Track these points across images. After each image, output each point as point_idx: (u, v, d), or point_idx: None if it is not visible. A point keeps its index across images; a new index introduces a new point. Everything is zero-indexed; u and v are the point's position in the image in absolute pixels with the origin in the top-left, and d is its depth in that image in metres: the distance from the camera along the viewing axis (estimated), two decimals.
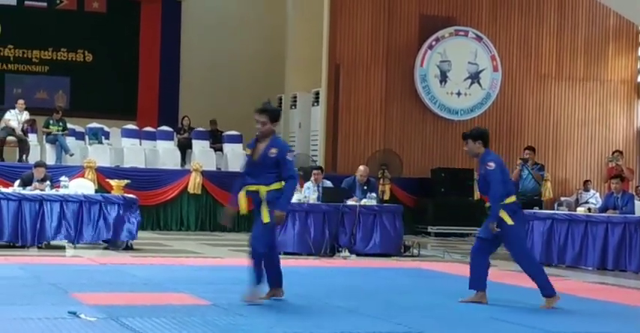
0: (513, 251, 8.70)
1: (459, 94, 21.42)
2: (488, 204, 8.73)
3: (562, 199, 20.73)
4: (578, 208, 14.46)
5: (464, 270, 12.27)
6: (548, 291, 8.56)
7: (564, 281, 11.54)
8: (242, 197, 7.89)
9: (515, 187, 15.73)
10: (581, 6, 22.25)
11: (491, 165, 8.39)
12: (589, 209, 14.01)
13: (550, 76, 22.11)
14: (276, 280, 8.07)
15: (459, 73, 21.47)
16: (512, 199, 8.49)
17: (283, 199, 7.87)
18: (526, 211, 13.94)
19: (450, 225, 19.62)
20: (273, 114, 8.03)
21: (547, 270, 12.69)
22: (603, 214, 13.41)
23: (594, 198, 20.43)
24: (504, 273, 12.22)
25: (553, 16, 22.09)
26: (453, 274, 11.68)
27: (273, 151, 7.86)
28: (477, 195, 20.39)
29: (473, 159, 21.22)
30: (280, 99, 22.86)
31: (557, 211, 14.18)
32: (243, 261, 12.74)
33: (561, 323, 7.69)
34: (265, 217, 7.77)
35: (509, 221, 8.41)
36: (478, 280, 8.65)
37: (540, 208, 14.74)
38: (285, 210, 7.92)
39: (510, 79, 21.87)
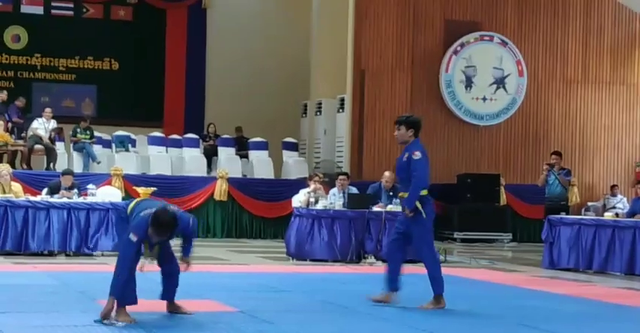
0: (417, 242, 8.61)
1: (484, 99, 21.37)
2: (401, 194, 8.67)
3: (589, 204, 20.63)
4: (606, 214, 14.39)
5: (490, 276, 12.27)
6: (439, 289, 8.50)
7: (592, 287, 11.49)
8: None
9: (542, 192, 15.76)
10: (606, 10, 22.14)
11: (418, 154, 8.54)
12: (616, 214, 13.94)
13: (576, 80, 22.01)
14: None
15: (485, 79, 21.41)
16: (425, 192, 8.55)
17: (190, 248, 7.73)
18: (553, 216, 13.93)
19: (476, 231, 19.57)
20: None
21: (574, 275, 12.70)
22: (631, 219, 13.32)
23: (622, 203, 20.32)
24: (533, 279, 12.18)
25: (579, 20, 22.00)
26: (480, 280, 11.64)
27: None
28: (503, 200, 20.34)
29: (499, 164, 21.36)
30: (305, 105, 22.90)
31: (584, 217, 14.11)
32: (269, 268, 12.79)
33: (589, 330, 7.66)
34: None
35: (422, 213, 8.46)
36: (395, 280, 8.59)
37: (567, 214, 14.67)
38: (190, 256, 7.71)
39: (536, 84, 21.78)
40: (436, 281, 8.54)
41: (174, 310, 7.76)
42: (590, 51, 22.05)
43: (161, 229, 7.14)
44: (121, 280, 7.20)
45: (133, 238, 7.21)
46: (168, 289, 7.78)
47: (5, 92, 20.30)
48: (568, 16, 21.91)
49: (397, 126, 8.66)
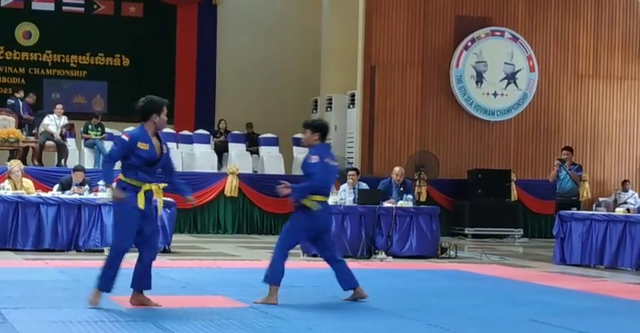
0: (282, 233, 8.54)
1: (495, 94, 21.33)
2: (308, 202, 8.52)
3: (600, 199, 20.58)
4: (617, 209, 14.34)
5: (502, 272, 12.26)
6: (273, 280, 8.27)
7: (603, 282, 11.47)
8: (141, 197, 7.66)
9: (553, 187, 15.73)
10: (618, 4, 22.06)
11: (314, 158, 8.41)
12: (628, 210, 13.89)
13: (587, 75, 21.95)
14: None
15: (496, 74, 21.37)
16: (322, 198, 8.44)
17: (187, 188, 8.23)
18: (564, 212, 13.90)
19: (487, 226, 19.54)
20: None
21: (585, 271, 12.68)
22: None
23: (633, 198, 20.26)
24: (544, 274, 12.17)
25: (590, 15, 21.93)
26: (491, 276, 11.64)
27: (165, 148, 7.93)
28: (514, 196, 20.31)
29: (510, 160, 21.35)
30: (316, 101, 22.89)
31: (595, 212, 14.07)
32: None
33: (601, 325, 7.65)
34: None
35: (305, 214, 8.35)
36: (351, 278, 8.59)
37: (578, 209, 14.64)
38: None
39: (547, 79, 21.73)
40: (270, 277, 8.32)
41: (143, 302, 7.75)
42: (602, 45, 21.98)
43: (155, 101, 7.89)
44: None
45: (124, 136, 7.74)
46: (144, 278, 7.75)
47: (22, 92, 20.28)
48: (579, 11, 21.85)
49: (304, 129, 8.61)
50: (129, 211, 7.61)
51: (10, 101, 19.70)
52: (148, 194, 7.71)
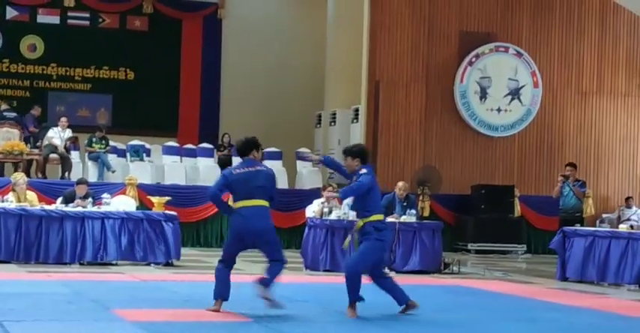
0: (354, 254, 9.07)
1: (499, 110, 21.35)
2: (361, 223, 8.84)
3: (604, 216, 20.55)
4: (620, 225, 14.31)
5: (505, 287, 12.24)
6: (354, 296, 8.60)
7: (605, 299, 11.45)
8: None
9: (557, 203, 15.71)
10: (622, 21, 22.10)
11: (363, 170, 8.72)
12: (631, 226, 13.86)
13: (591, 91, 21.97)
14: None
15: (499, 90, 21.39)
16: (379, 217, 8.81)
17: None
18: (567, 228, 13.88)
19: (490, 242, 19.52)
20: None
21: (588, 287, 12.65)
22: None
23: (636, 215, 20.24)
24: (547, 290, 12.15)
25: (594, 31, 21.96)
26: (494, 292, 11.62)
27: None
28: (517, 211, 20.29)
29: (513, 175, 21.30)
30: (319, 116, 22.91)
31: (598, 228, 14.05)
32: (283, 278, 12.75)
33: None
34: None
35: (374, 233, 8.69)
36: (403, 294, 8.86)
37: (582, 225, 14.61)
38: None
39: (551, 95, 21.75)
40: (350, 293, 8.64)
41: (268, 297, 8.53)
42: (606, 62, 22.00)
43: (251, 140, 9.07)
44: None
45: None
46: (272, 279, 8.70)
47: (38, 108, 20.25)
48: (583, 28, 21.88)
49: (344, 156, 8.89)
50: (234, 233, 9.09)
51: (16, 114, 19.60)
52: None
